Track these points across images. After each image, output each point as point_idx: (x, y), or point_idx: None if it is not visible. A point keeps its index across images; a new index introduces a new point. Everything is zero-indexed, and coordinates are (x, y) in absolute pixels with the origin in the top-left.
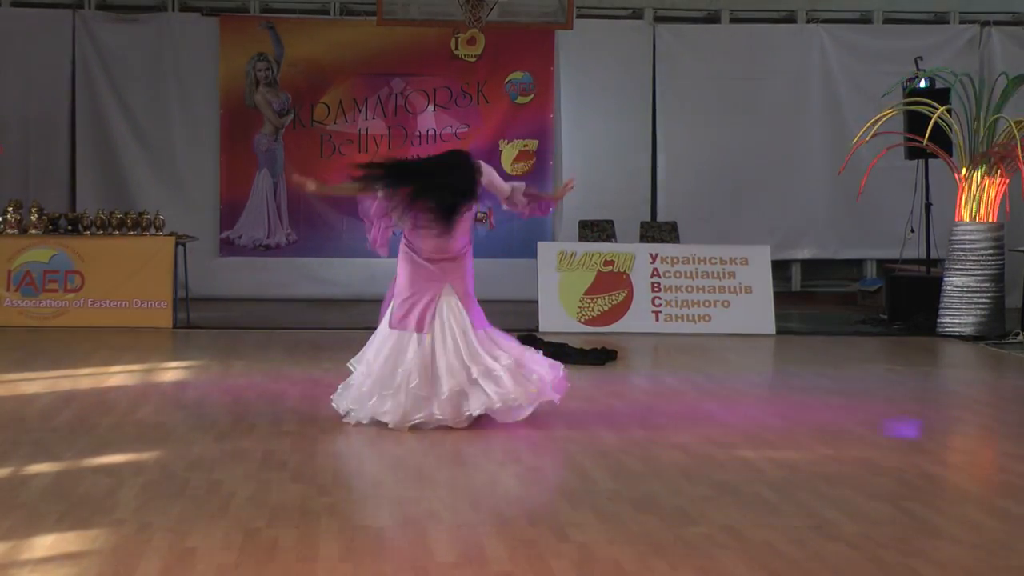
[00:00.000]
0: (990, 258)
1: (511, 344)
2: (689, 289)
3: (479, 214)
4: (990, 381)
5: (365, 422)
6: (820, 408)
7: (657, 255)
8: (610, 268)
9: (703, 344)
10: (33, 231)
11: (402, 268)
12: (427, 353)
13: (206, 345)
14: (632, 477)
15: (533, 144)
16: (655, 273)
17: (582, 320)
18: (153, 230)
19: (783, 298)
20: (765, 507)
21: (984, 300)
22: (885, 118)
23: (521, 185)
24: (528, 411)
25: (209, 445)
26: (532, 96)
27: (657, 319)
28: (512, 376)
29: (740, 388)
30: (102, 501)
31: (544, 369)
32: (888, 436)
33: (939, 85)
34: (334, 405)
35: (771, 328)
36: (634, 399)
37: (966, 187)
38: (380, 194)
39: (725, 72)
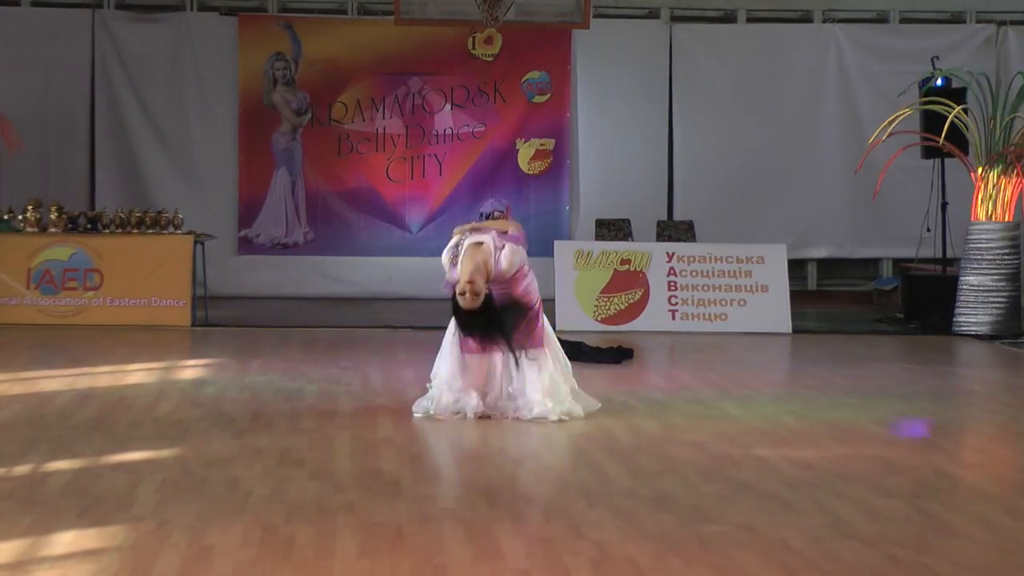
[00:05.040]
0: (1006, 257)
1: None
2: (705, 288)
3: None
4: (1006, 380)
5: None
6: (836, 407)
7: (673, 254)
8: (627, 267)
9: (719, 343)
10: (53, 229)
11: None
12: None
13: (224, 343)
14: (648, 475)
15: (550, 143)
16: (671, 272)
17: (599, 319)
18: (172, 228)
19: (799, 297)
20: (781, 505)
21: (1000, 299)
22: (901, 117)
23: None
24: None
25: (227, 442)
26: (549, 95)
27: (673, 318)
28: None
29: (756, 387)
30: (121, 498)
31: None
32: (900, 436)
33: (955, 84)
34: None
35: (787, 327)
36: (650, 397)
37: (982, 186)
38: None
39: (741, 71)
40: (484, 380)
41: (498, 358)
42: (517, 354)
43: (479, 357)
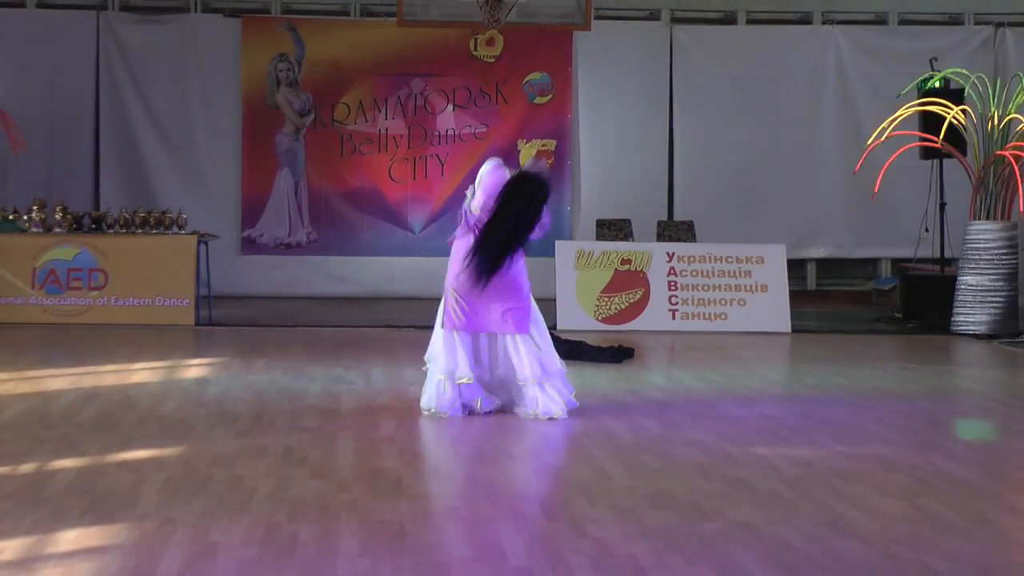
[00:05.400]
0: (1004, 257)
1: None
2: (705, 288)
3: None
4: (1003, 379)
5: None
6: (835, 405)
7: (674, 254)
8: (627, 267)
9: (719, 342)
10: (57, 230)
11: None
12: None
13: (228, 342)
14: (648, 473)
15: (551, 144)
16: (672, 272)
17: (599, 318)
18: (176, 228)
19: (799, 297)
20: (780, 503)
21: (998, 299)
22: (900, 118)
23: None
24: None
25: (231, 441)
26: (550, 96)
27: (674, 317)
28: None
29: (756, 386)
30: (125, 496)
31: None
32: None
33: (953, 85)
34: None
35: (787, 326)
36: (650, 396)
37: (980, 187)
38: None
39: (741, 72)
40: (477, 360)
41: (484, 339)
42: (485, 279)
43: (466, 335)
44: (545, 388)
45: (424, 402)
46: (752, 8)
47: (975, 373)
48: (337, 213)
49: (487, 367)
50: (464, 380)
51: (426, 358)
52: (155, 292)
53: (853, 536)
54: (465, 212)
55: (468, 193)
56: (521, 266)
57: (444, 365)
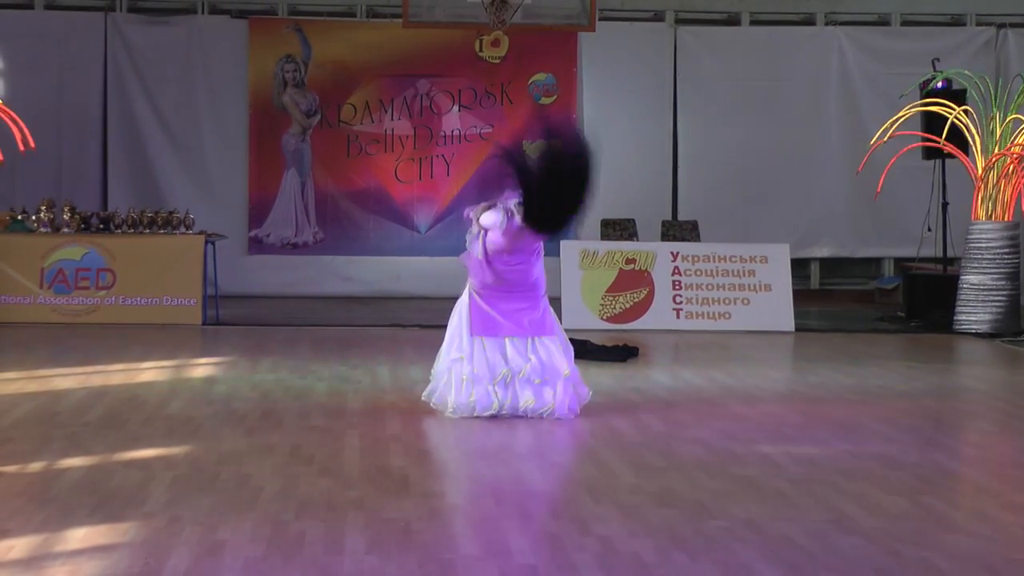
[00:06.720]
0: (1006, 256)
1: None
2: (709, 287)
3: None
4: (1005, 377)
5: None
6: (838, 404)
7: (678, 253)
8: (632, 266)
9: (723, 341)
10: (66, 230)
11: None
12: None
13: (235, 341)
14: (653, 471)
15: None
16: (676, 271)
17: (604, 317)
18: (183, 229)
19: (802, 296)
20: (784, 501)
21: (1000, 298)
22: (903, 119)
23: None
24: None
25: (238, 440)
26: (555, 97)
27: (678, 316)
28: None
29: (759, 384)
30: (133, 495)
31: None
32: None
33: (956, 86)
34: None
35: (790, 325)
36: (655, 395)
37: (982, 187)
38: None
39: (745, 73)
40: (495, 365)
41: (507, 343)
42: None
43: (491, 340)
44: (556, 388)
45: (440, 399)
46: (756, 9)
47: (977, 372)
48: (344, 213)
49: (511, 368)
50: (497, 378)
51: (434, 372)
52: (163, 292)
53: (856, 534)
54: (469, 217)
55: (473, 216)
56: (541, 265)
57: (445, 369)
